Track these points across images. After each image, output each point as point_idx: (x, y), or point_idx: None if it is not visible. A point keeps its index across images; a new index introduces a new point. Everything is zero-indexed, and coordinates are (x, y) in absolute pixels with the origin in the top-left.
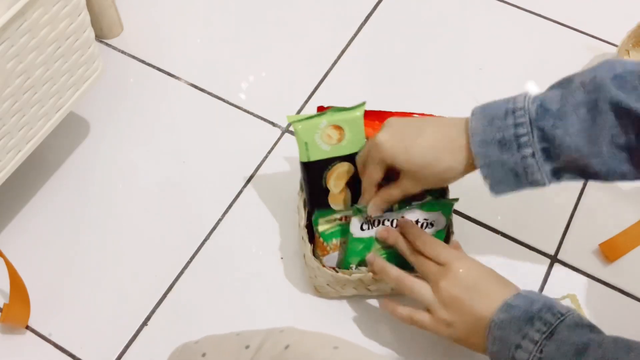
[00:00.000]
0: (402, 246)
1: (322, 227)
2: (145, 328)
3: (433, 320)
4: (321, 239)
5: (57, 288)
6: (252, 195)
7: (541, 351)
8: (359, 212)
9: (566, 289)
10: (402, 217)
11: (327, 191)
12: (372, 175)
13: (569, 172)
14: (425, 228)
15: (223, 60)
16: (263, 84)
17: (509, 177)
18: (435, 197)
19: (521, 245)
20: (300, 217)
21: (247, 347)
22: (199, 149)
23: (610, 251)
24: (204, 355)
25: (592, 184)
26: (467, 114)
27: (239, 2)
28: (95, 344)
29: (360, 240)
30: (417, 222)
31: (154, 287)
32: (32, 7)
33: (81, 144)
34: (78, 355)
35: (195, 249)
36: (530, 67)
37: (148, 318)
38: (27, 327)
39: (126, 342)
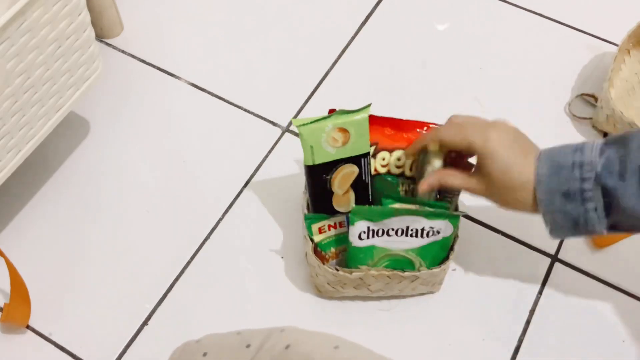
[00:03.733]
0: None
1: (317, 237)
2: (145, 328)
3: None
4: (318, 249)
5: (57, 288)
6: (252, 195)
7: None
8: (356, 217)
9: (566, 288)
10: (407, 227)
11: (331, 193)
12: (448, 137)
13: (626, 229)
14: (432, 236)
15: (223, 60)
16: (263, 84)
17: (569, 225)
18: (445, 207)
19: (521, 244)
20: (303, 216)
21: (248, 346)
22: (199, 149)
23: (599, 238)
24: (205, 354)
25: None
26: (467, 113)
27: (239, 2)
28: (95, 344)
29: (359, 249)
30: (422, 229)
31: (154, 287)
32: (32, 7)
33: (81, 144)
34: (78, 355)
35: (195, 249)
36: (530, 66)
37: (148, 318)
38: (28, 327)
39: (126, 342)
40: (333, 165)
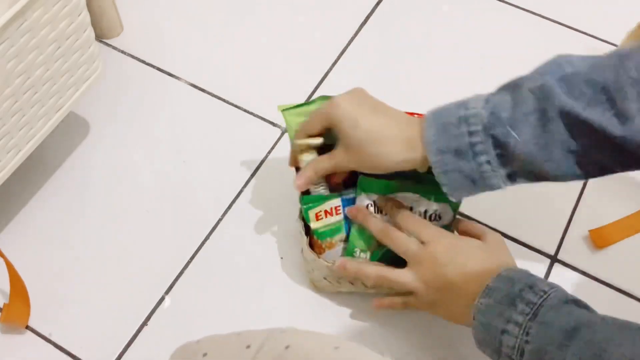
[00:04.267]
0: (374, 225)
1: (314, 224)
2: (145, 328)
3: (419, 302)
4: (315, 237)
5: (57, 288)
6: (252, 195)
7: (527, 333)
8: (362, 187)
9: (566, 289)
10: (411, 207)
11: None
12: (309, 126)
13: (524, 176)
14: (433, 220)
15: (223, 60)
16: (263, 84)
17: (466, 183)
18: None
19: (521, 245)
20: (298, 210)
21: (248, 347)
22: (199, 149)
23: (599, 238)
24: (205, 355)
25: (592, 184)
26: None
27: (239, 2)
28: (95, 344)
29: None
30: (425, 212)
31: (154, 287)
32: (32, 7)
33: (81, 144)
34: (78, 355)
35: (195, 249)
36: (530, 67)
37: (148, 318)
38: (27, 327)
39: (126, 342)
40: (319, 151)
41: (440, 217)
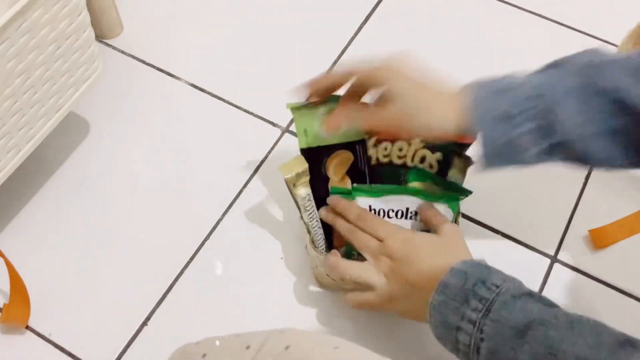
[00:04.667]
0: (341, 226)
1: None
2: (145, 328)
3: (377, 297)
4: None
5: (57, 288)
6: (252, 195)
7: (481, 331)
8: (357, 192)
9: (566, 289)
10: (407, 208)
11: (327, 179)
12: (354, 67)
13: (562, 153)
14: None
15: (223, 60)
16: (263, 84)
17: (502, 151)
18: (444, 188)
19: (521, 245)
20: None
21: (247, 347)
22: (199, 149)
23: (599, 238)
24: (204, 356)
25: (592, 184)
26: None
27: (239, 2)
28: (95, 344)
29: None
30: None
31: (154, 287)
32: (32, 7)
33: (81, 144)
34: (78, 355)
35: (195, 249)
36: (530, 66)
37: (148, 318)
38: (27, 327)
39: (126, 342)
40: (328, 150)
41: None
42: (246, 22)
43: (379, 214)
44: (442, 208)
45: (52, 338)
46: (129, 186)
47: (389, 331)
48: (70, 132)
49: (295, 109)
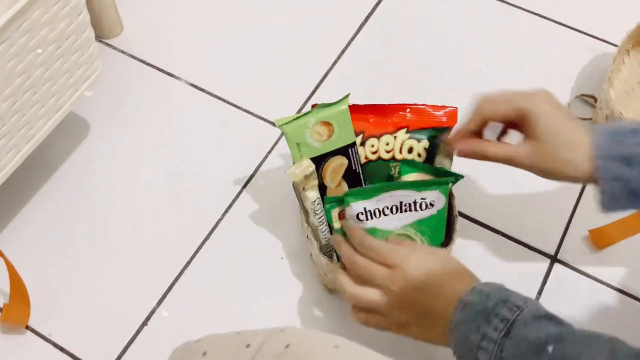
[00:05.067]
0: (345, 251)
1: (337, 224)
2: (145, 328)
3: (389, 322)
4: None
5: (57, 288)
6: (252, 196)
7: (501, 350)
8: (351, 198)
9: (566, 289)
10: (400, 202)
11: (324, 187)
12: (491, 109)
13: None
14: (426, 209)
15: (223, 60)
16: (263, 84)
17: (625, 194)
18: (435, 174)
19: (521, 245)
20: (302, 217)
21: (247, 346)
22: (199, 149)
23: (599, 238)
24: (204, 354)
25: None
26: (467, 114)
27: (239, 2)
28: (95, 344)
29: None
30: (415, 202)
31: (154, 287)
32: (32, 7)
33: (81, 144)
34: (78, 355)
35: (195, 248)
36: (530, 67)
37: (148, 318)
38: (27, 327)
39: (126, 342)
40: (321, 159)
41: (432, 205)
42: (246, 22)
43: (374, 215)
44: (434, 194)
45: (52, 338)
46: (129, 186)
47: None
48: (70, 132)
49: (285, 124)
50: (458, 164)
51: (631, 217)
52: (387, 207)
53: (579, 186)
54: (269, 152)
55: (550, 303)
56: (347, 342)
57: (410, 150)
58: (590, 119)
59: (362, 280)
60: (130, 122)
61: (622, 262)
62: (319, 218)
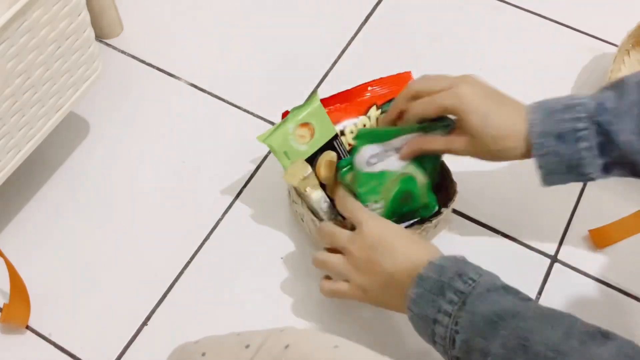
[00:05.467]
0: (321, 224)
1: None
2: (145, 328)
3: (350, 288)
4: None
5: (57, 288)
6: (252, 195)
7: (456, 323)
8: (361, 141)
9: (566, 289)
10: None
11: (323, 187)
12: (421, 110)
13: (620, 169)
14: None
15: (223, 60)
16: (263, 84)
17: (561, 168)
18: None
19: (521, 245)
20: (296, 214)
21: (247, 346)
22: (199, 149)
23: (599, 238)
24: (203, 354)
25: (591, 184)
26: None
27: (239, 2)
28: (95, 344)
29: (371, 176)
30: None
31: (154, 287)
32: (32, 7)
33: (81, 144)
34: (78, 355)
35: (195, 248)
36: (530, 67)
37: (148, 318)
38: (27, 327)
39: (126, 342)
40: (311, 160)
41: None
42: (246, 22)
43: (383, 158)
44: (439, 135)
45: (52, 338)
46: (128, 186)
47: (389, 331)
48: (70, 132)
49: (268, 138)
50: (458, 163)
51: (631, 217)
52: (395, 149)
53: (579, 186)
54: (269, 152)
55: (551, 303)
56: (347, 342)
57: None
58: None
59: (330, 248)
60: (130, 122)
61: (622, 262)
62: (329, 217)
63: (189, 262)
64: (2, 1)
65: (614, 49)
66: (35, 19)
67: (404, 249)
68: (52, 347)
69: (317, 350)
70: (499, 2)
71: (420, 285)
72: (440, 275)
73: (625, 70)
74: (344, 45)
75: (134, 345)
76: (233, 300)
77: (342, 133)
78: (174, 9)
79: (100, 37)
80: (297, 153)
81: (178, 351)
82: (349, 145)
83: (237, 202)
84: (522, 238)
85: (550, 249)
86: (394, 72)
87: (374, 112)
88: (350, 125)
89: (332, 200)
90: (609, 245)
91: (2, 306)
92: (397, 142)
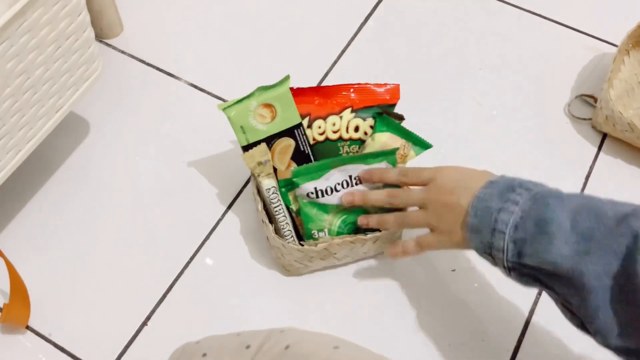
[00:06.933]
0: (375, 197)
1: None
2: (145, 328)
3: (436, 236)
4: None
5: (57, 288)
6: (251, 195)
7: (522, 210)
8: (300, 179)
9: None
10: (350, 176)
11: (274, 170)
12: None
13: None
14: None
15: (223, 60)
16: (263, 84)
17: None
18: (406, 138)
19: None
20: (257, 201)
21: (247, 347)
22: (199, 149)
23: None
24: (204, 355)
25: (592, 184)
26: (466, 114)
27: (239, 2)
28: (95, 344)
29: (312, 204)
30: None
31: (154, 287)
32: (32, 7)
33: (81, 144)
34: (78, 355)
35: (196, 248)
36: (530, 67)
37: (148, 318)
38: (27, 327)
39: (126, 342)
40: (268, 142)
41: None
42: (246, 23)
43: (326, 193)
44: (382, 166)
45: (52, 338)
46: (128, 186)
47: (389, 331)
48: (70, 132)
49: (227, 108)
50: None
51: None
52: (339, 183)
53: (579, 186)
54: None
55: (550, 303)
56: (347, 342)
57: (356, 129)
58: (590, 119)
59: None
60: (130, 122)
61: None
62: (275, 207)
63: (189, 262)
64: (2, 1)
65: (614, 49)
66: (35, 19)
67: (474, 183)
68: (52, 347)
69: (317, 350)
70: (499, 2)
71: (489, 186)
72: (511, 181)
73: (625, 70)
74: (344, 45)
75: (134, 345)
76: (233, 301)
77: (310, 126)
78: (174, 9)
79: (100, 37)
80: (253, 130)
81: (179, 351)
82: (314, 139)
83: (237, 201)
84: None
85: None
86: (394, 72)
87: (348, 114)
88: (320, 121)
89: (281, 193)
90: None
91: (2, 306)
92: (334, 176)
